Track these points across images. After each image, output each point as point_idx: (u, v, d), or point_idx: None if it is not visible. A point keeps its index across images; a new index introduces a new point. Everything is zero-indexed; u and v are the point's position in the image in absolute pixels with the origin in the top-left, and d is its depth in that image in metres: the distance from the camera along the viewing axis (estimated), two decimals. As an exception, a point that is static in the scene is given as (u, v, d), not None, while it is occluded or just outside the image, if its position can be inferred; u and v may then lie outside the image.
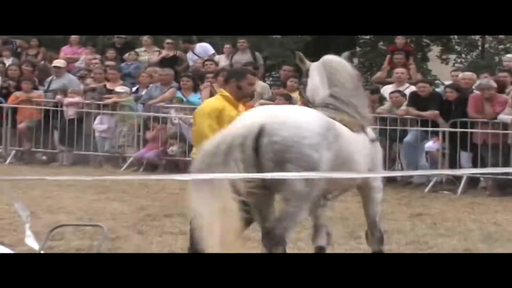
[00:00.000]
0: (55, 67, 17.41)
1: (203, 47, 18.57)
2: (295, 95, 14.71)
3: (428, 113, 15.31)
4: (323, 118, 6.91)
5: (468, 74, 16.40)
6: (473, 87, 15.51)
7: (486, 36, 27.95)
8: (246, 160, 6.63)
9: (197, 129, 8.21)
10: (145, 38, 18.81)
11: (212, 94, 16.03)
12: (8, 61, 18.27)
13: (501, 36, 27.70)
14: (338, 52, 11.91)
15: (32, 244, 7.60)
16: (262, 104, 12.77)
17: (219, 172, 6.48)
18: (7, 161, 16.88)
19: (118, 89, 16.28)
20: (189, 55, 18.47)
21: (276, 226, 6.84)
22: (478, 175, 14.53)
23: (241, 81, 8.10)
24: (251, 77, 8.40)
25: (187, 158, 15.18)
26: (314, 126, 6.68)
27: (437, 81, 23.45)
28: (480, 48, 28.95)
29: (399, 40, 18.19)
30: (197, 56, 18.14)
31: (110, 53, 18.47)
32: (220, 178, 6.42)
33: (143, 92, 16.74)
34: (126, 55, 18.30)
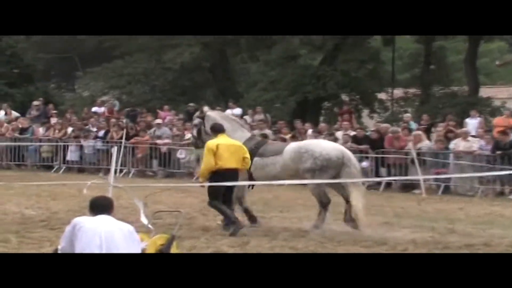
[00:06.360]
0: (157, 124, 23.61)
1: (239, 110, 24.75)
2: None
3: (363, 146, 19.11)
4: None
5: (385, 124, 21.30)
6: (389, 131, 19.51)
7: (394, 102, 31.68)
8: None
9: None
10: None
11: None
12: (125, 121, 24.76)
13: (401, 102, 32.18)
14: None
15: (144, 221, 9.11)
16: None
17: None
18: (129, 175, 22.09)
19: (187, 135, 21.04)
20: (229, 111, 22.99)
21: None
22: (392, 180, 18.08)
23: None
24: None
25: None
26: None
27: (367, 128, 24.81)
28: (390, 109, 31.61)
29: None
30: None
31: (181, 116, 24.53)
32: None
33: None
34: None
